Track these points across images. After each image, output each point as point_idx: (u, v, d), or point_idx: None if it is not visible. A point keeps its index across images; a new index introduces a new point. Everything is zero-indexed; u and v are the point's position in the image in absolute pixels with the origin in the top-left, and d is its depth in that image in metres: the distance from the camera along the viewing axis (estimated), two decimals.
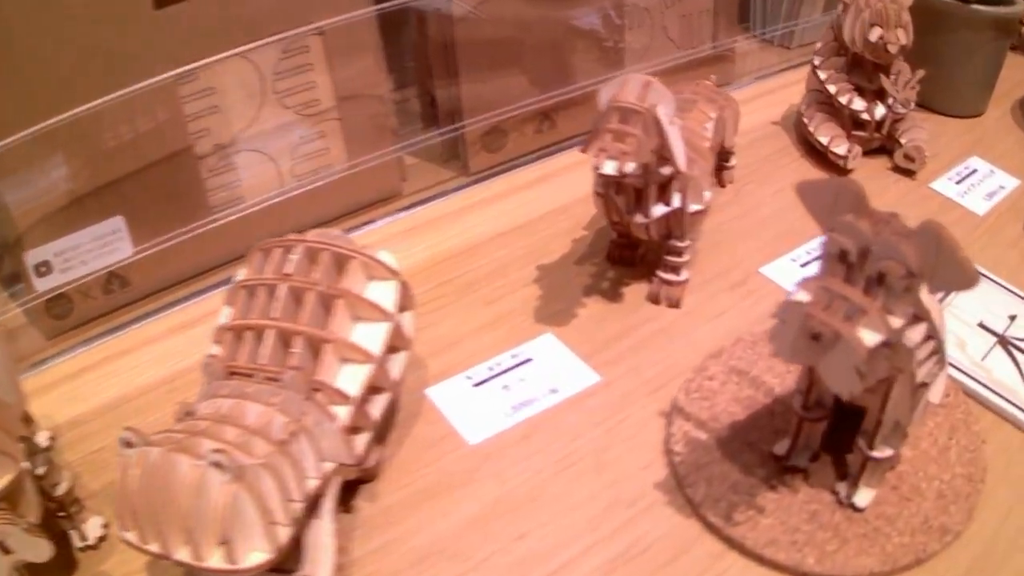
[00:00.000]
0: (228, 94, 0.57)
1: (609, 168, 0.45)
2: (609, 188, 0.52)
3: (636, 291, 0.57)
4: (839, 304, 0.33)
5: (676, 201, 0.52)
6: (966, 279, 0.34)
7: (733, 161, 0.67)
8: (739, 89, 0.82)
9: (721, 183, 0.67)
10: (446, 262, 0.59)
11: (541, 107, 0.69)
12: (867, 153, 0.72)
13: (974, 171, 0.73)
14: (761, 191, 0.67)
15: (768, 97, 0.80)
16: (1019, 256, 0.64)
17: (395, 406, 0.48)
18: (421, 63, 0.68)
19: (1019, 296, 0.59)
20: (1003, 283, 0.60)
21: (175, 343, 0.54)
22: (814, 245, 0.62)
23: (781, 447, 0.44)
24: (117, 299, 0.57)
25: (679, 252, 0.54)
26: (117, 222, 0.56)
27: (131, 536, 0.34)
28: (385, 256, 0.45)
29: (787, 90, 0.80)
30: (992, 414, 0.51)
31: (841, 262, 0.34)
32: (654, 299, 0.56)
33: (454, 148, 0.69)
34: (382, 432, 0.46)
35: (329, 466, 0.39)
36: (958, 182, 0.71)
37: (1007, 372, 0.53)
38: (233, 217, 0.59)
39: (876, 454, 0.41)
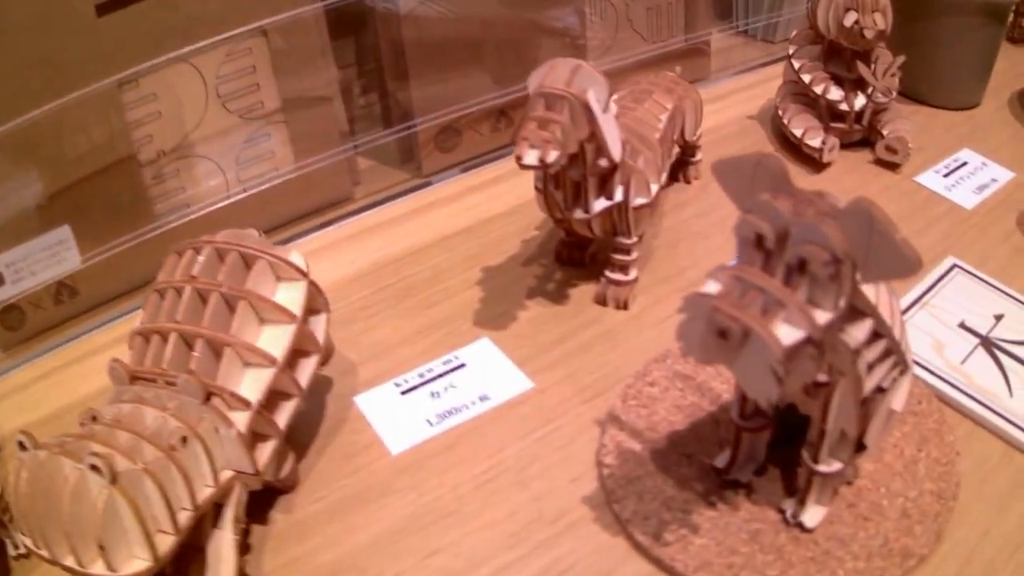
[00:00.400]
0: (171, 100, 0.56)
1: (531, 158, 0.42)
2: (548, 182, 0.49)
3: (583, 293, 0.53)
4: (754, 296, 0.29)
5: (619, 194, 0.48)
6: (906, 265, 0.29)
7: (699, 156, 0.63)
8: (716, 84, 0.78)
9: (686, 179, 0.63)
10: (389, 267, 0.56)
11: (497, 105, 0.65)
12: (848, 146, 0.68)
13: (964, 164, 0.68)
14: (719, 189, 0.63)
15: (747, 92, 0.76)
16: (1010, 251, 0.59)
17: (321, 414, 0.46)
18: (377, 63, 0.65)
19: (1007, 294, 0.54)
20: (990, 280, 0.55)
21: (122, 352, 0.51)
22: None
23: (721, 460, 0.40)
24: (68, 309, 0.56)
25: (626, 250, 0.51)
26: (64, 232, 0.54)
27: (28, 541, 0.33)
28: (294, 257, 0.42)
29: (767, 85, 0.76)
30: (970, 423, 0.46)
31: (758, 248, 0.30)
32: (600, 300, 0.52)
33: (410, 150, 0.66)
34: (303, 440, 0.44)
35: (227, 474, 0.37)
36: (946, 175, 0.66)
37: (990, 377, 0.49)
38: (178, 224, 0.57)
39: (822, 468, 0.37)
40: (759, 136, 0.70)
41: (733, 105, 0.74)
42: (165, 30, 0.53)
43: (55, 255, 0.54)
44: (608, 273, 0.52)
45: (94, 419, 0.36)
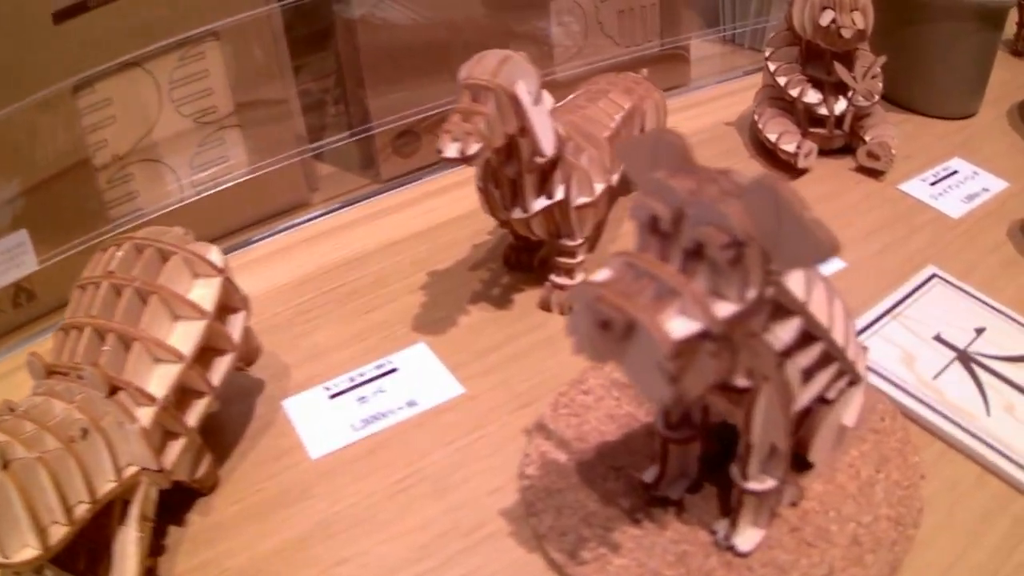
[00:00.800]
0: (125, 105, 0.55)
1: (451, 151, 0.39)
2: (488, 181, 0.46)
3: (529, 297, 0.50)
4: (645, 284, 0.26)
5: (559, 193, 0.46)
6: (819, 249, 0.26)
7: None
8: (697, 91, 0.75)
9: None
10: (335, 271, 0.54)
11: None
12: (831, 152, 0.65)
13: (954, 172, 0.64)
14: None
15: (728, 99, 0.73)
16: (998, 263, 0.55)
17: (249, 416, 0.44)
18: (338, 67, 0.64)
19: (992, 307, 0.50)
20: (972, 291, 0.51)
21: None
22: None
23: (650, 474, 0.37)
24: (26, 312, 0.55)
25: (571, 253, 0.48)
26: (21, 235, 0.54)
27: None
28: (211, 254, 0.40)
29: (748, 92, 0.73)
30: (941, 444, 0.42)
31: (654, 232, 0.27)
32: (545, 306, 0.49)
33: (370, 155, 0.64)
34: (227, 442, 0.43)
35: (132, 470, 0.36)
36: (933, 183, 0.62)
37: (965, 393, 0.45)
38: (132, 228, 0.56)
39: (752, 486, 0.33)
40: (735, 142, 0.67)
41: (712, 112, 0.71)
42: (120, 36, 0.52)
43: (13, 259, 0.54)
44: (553, 277, 0.49)
45: (11, 410, 0.35)
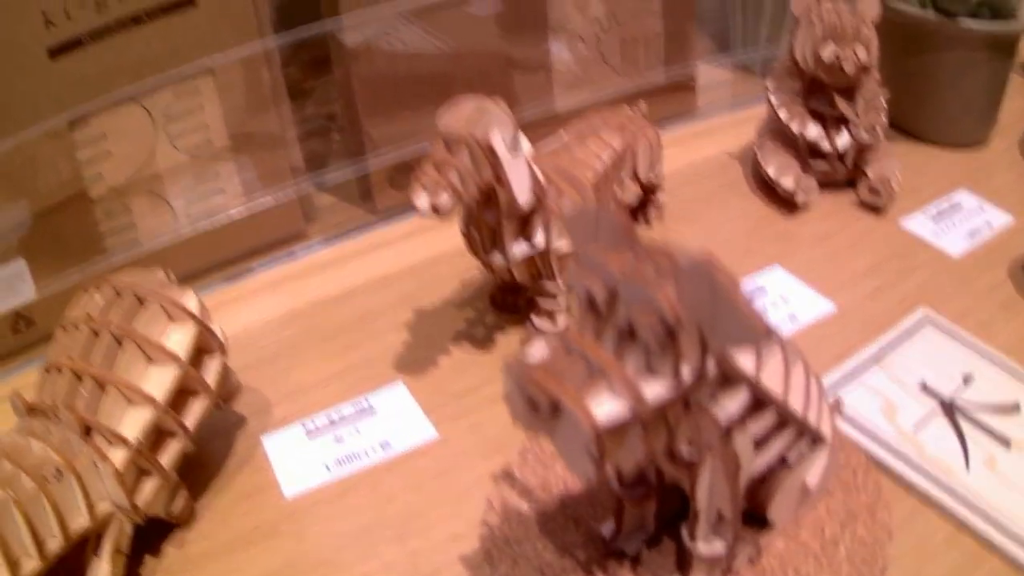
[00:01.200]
0: (121, 139, 0.57)
1: (422, 203, 0.40)
2: (469, 224, 0.47)
3: (511, 339, 0.51)
4: (577, 364, 0.27)
5: (539, 240, 0.46)
6: (749, 334, 0.26)
7: (661, 196, 0.60)
8: (703, 120, 0.75)
9: (645, 220, 0.60)
10: (322, 306, 0.56)
11: None
12: (833, 186, 0.64)
13: (958, 206, 0.63)
14: (689, 231, 0.60)
15: (735, 128, 0.72)
16: (995, 305, 0.54)
17: (228, 451, 0.46)
18: (335, 98, 0.65)
19: (984, 352, 0.49)
20: (965, 335, 0.50)
21: None
22: None
23: (607, 528, 0.37)
24: (25, 338, 0.58)
25: (553, 295, 0.48)
26: (19, 265, 0.56)
27: None
28: (187, 299, 0.42)
29: (757, 121, 0.72)
30: (915, 499, 0.42)
31: (591, 310, 0.28)
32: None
33: (367, 186, 0.65)
34: (206, 476, 0.44)
35: (104, 507, 0.38)
36: (936, 218, 0.61)
37: (945, 446, 0.44)
38: (128, 260, 0.58)
39: (702, 548, 0.34)
40: (736, 174, 0.67)
41: (718, 142, 0.71)
42: (115, 72, 0.54)
43: (11, 287, 0.56)
44: (534, 319, 0.49)
45: None
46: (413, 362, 0.50)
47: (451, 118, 0.42)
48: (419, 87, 0.63)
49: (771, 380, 0.32)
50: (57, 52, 0.52)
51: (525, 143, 0.44)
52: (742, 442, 0.32)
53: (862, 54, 0.58)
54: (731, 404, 0.31)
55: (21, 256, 0.55)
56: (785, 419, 0.34)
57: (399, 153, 0.63)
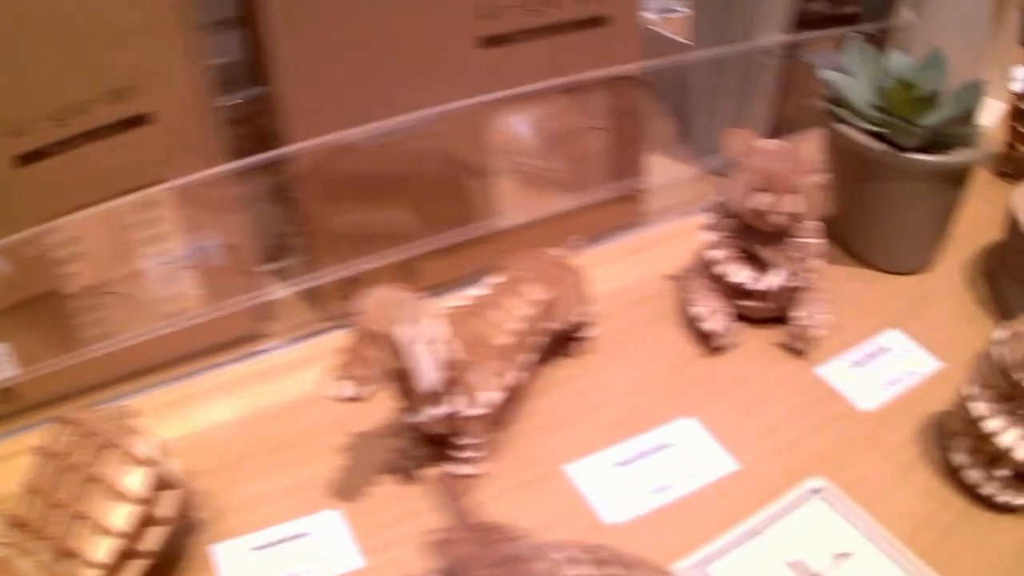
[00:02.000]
0: (91, 242, 0.62)
1: (330, 392, 0.44)
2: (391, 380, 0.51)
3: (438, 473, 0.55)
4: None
5: (446, 407, 0.50)
6: None
7: (587, 332, 0.63)
8: (651, 229, 0.77)
9: (568, 353, 0.63)
10: (276, 415, 0.60)
11: (400, 258, 0.67)
12: (761, 322, 0.66)
13: (884, 349, 0.64)
14: (608, 367, 0.62)
15: (682, 240, 0.73)
16: (895, 470, 0.55)
17: (178, 556, 0.50)
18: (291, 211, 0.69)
19: (864, 528, 0.52)
20: (854, 508, 0.53)
21: None
22: (642, 442, 0.57)
23: None
24: (9, 408, 0.63)
25: (464, 448, 0.52)
26: (2, 348, 0.61)
27: None
28: (145, 443, 0.47)
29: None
30: None
31: None
32: (443, 486, 0.53)
33: (319, 295, 0.69)
34: None
35: None
36: (857, 364, 0.63)
37: None
38: (100, 353, 0.63)
39: None
40: (667, 303, 0.68)
41: (660, 257, 0.73)
42: (83, 180, 0.58)
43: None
44: (453, 465, 0.53)
45: None
46: (347, 488, 0.53)
47: (363, 309, 0.46)
48: (367, 202, 0.66)
49: None
50: (21, 161, 0.56)
51: (433, 327, 0.47)
52: None
53: (795, 206, 0.60)
54: None
55: (4, 341, 0.61)
56: None
57: (348, 265, 0.67)
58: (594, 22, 0.68)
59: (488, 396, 0.51)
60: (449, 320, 0.52)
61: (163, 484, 0.47)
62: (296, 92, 0.60)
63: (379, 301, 0.46)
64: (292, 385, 0.62)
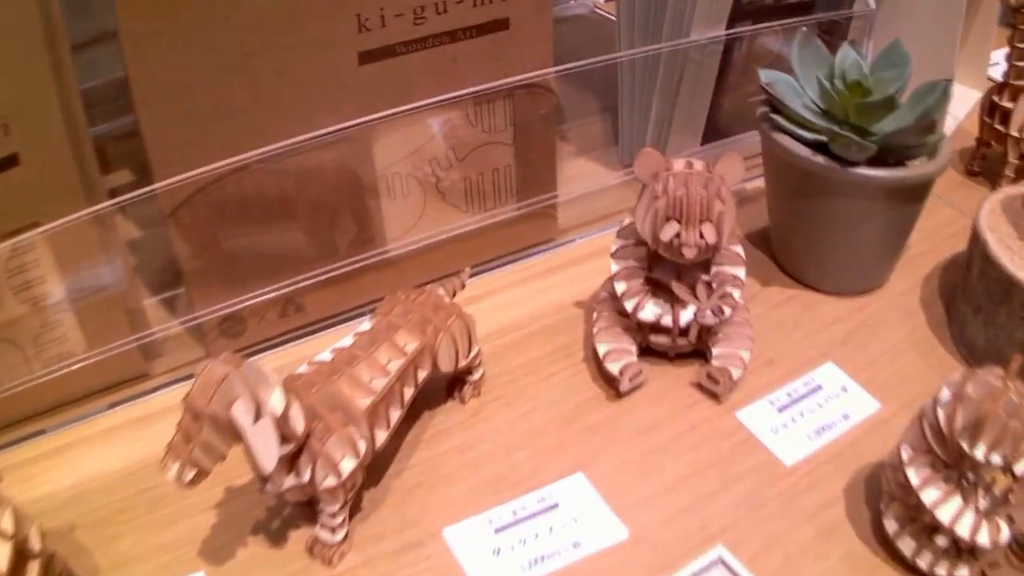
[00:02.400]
0: None
1: (171, 474, 0.41)
2: None
3: (303, 536, 0.50)
4: None
5: (306, 476, 0.45)
6: None
7: (477, 375, 0.57)
8: (567, 247, 0.70)
9: (460, 399, 0.57)
10: (151, 466, 0.54)
11: (283, 293, 0.62)
12: (678, 358, 0.59)
13: (817, 389, 0.58)
14: (501, 414, 0.56)
15: (602, 258, 0.64)
16: (813, 533, 0.49)
17: None
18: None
19: None
20: None
21: None
22: (525, 503, 0.51)
23: None
24: None
25: (330, 514, 0.47)
26: None
27: None
28: (4, 519, 0.43)
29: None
30: None
31: None
32: (309, 550, 0.49)
33: (201, 333, 0.64)
34: None
35: None
36: (784, 408, 0.57)
37: None
38: None
39: None
40: (575, 333, 0.62)
41: (575, 279, 0.66)
42: None
43: None
44: (317, 532, 0.48)
45: None
46: (214, 550, 0.49)
47: (196, 387, 0.41)
48: (251, 228, 0.60)
49: None
50: None
51: (277, 400, 0.42)
52: None
53: (710, 236, 0.52)
54: None
55: None
56: None
57: (229, 304, 0.61)
58: (495, 26, 0.61)
59: (347, 464, 0.46)
60: (305, 382, 0.47)
61: (24, 555, 0.43)
62: (158, 125, 0.54)
63: (213, 378, 0.41)
64: (167, 431, 0.57)
